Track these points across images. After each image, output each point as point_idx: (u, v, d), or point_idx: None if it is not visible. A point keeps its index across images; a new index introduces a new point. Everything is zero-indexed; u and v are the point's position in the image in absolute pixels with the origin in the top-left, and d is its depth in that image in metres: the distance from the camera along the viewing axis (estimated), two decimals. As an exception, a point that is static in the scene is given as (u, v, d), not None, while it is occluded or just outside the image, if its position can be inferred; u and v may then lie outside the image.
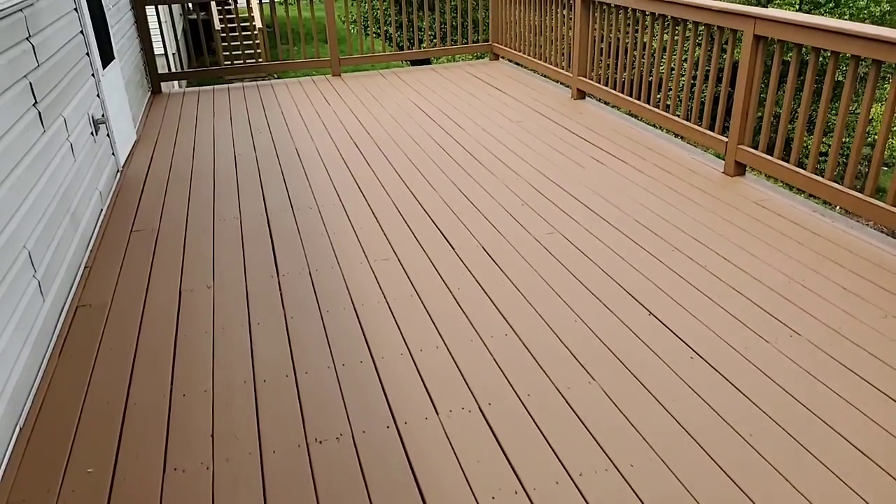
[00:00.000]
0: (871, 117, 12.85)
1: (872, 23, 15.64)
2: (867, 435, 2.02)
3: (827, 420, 2.08)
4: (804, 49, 3.54)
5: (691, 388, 2.24)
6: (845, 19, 15.29)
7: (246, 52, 6.60)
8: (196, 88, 6.89)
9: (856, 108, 11.83)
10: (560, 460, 1.97)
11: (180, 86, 11.31)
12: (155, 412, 2.24)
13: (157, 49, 6.62)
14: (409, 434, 2.09)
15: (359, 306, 2.79)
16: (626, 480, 1.90)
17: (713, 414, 2.13)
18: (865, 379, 2.25)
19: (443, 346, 2.51)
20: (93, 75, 4.01)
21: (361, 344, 2.54)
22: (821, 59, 3.46)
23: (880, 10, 16.28)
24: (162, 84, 6.73)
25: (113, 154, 4.28)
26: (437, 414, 2.17)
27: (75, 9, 3.84)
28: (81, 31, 3.89)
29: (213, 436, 2.12)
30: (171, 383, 2.38)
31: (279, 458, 2.02)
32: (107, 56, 4.44)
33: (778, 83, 3.80)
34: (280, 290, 2.95)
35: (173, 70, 7.62)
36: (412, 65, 11.79)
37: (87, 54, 3.95)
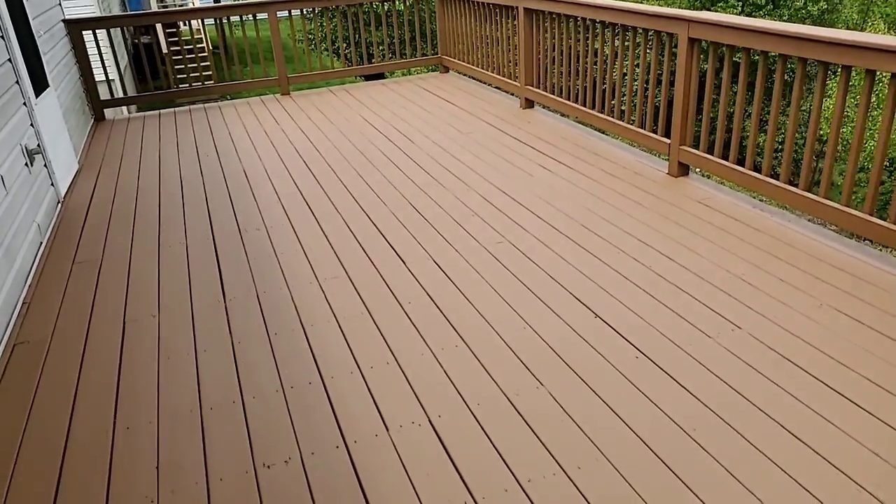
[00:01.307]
0: (803, 110, 13.28)
1: (812, 22, 16.21)
2: (808, 426, 2.07)
3: (769, 412, 2.13)
4: (737, 50, 3.65)
5: (636, 388, 2.27)
6: (784, 20, 15.83)
7: (193, 74, 6.51)
8: (142, 114, 6.78)
9: (786, 107, 12.21)
10: (509, 468, 1.98)
11: (129, 111, 11.12)
12: (97, 448, 2.18)
13: (99, 75, 6.49)
14: (358, 453, 2.07)
15: (308, 326, 2.76)
16: (573, 483, 1.91)
17: (658, 412, 2.16)
18: (803, 368, 2.31)
19: (393, 361, 2.50)
20: (24, 104, 3.91)
21: (310, 364, 2.52)
22: (753, 59, 3.57)
23: (818, 10, 16.87)
24: (106, 111, 6.60)
25: (52, 184, 4.18)
26: (388, 430, 2.16)
27: (1, 36, 3.74)
28: (10, 59, 3.79)
29: (157, 468, 2.07)
30: (115, 416, 2.32)
31: (226, 486, 1.98)
32: (40, 84, 4.34)
33: (713, 84, 3.91)
34: (227, 314, 2.90)
35: (118, 96, 7.49)
36: (367, 80, 11.79)
37: (17, 82, 3.85)
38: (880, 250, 3.14)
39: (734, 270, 2.96)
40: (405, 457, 2.04)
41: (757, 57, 3.55)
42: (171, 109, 6.68)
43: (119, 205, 4.27)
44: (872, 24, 17.85)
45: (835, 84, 11.98)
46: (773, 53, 3.34)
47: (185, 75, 6.93)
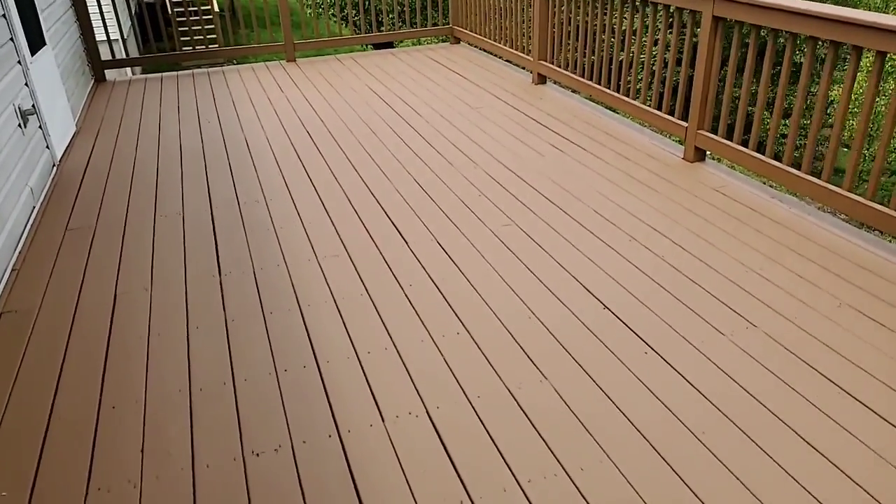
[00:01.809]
0: (830, 100, 12.96)
1: (834, 2, 15.80)
2: (821, 431, 1.97)
3: (781, 416, 2.03)
4: (763, 31, 3.47)
5: (645, 385, 2.17)
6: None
7: (197, 37, 6.34)
8: (144, 76, 6.62)
9: (814, 91, 11.89)
10: (508, 466, 1.89)
11: (134, 73, 10.92)
12: (81, 426, 2.09)
13: (101, 35, 6.32)
14: (352, 443, 1.98)
15: (305, 307, 2.66)
16: (575, 485, 1.82)
17: (666, 412, 2.06)
18: (821, 372, 2.20)
19: (392, 347, 2.40)
20: (19, 62, 3.76)
21: (306, 347, 2.42)
22: (780, 40, 3.40)
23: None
24: (107, 72, 6.44)
25: (47, 147, 4.05)
26: (383, 420, 2.06)
27: (-4, -9, 3.59)
28: (3, 15, 3.64)
29: (142, 451, 1.99)
30: (101, 394, 2.23)
31: (212, 473, 1.90)
32: (36, 42, 4.19)
33: (737, 66, 3.74)
34: (222, 290, 2.80)
35: (121, 56, 7.31)
36: (375, 48, 11.55)
37: (12, 40, 3.70)
38: (903, 248, 3.01)
39: (750, 264, 2.84)
40: (400, 450, 1.95)
41: (783, 39, 3.38)
42: (175, 73, 6.51)
43: (116, 170, 4.15)
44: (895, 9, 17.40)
45: (867, 70, 11.68)
46: (802, 35, 3.18)
47: (189, 38, 6.73)
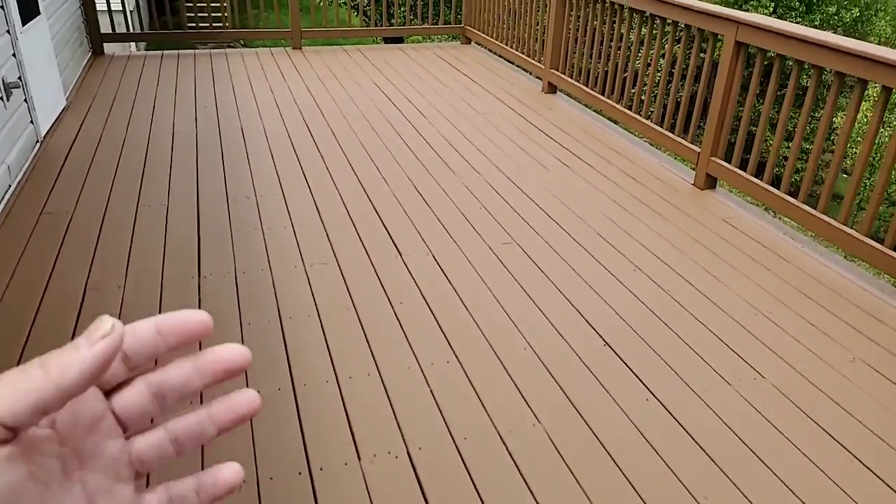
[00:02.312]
0: (852, 140, 12.75)
1: (844, 30, 15.65)
2: (822, 495, 1.83)
3: (783, 477, 1.88)
4: (788, 61, 3.32)
5: (643, 436, 2.02)
6: (815, 25, 15.26)
7: (203, 14, 6.14)
8: (143, 53, 6.43)
9: (835, 129, 11.63)
10: (492, 522, 1.73)
11: (138, 48, 10.66)
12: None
13: (102, 5, 6.11)
14: (322, 483, 1.83)
15: (286, 319, 2.50)
16: (564, 551, 1.67)
17: (665, 469, 1.91)
18: (831, 434, 2.06)
19: (375, 373, 2.24)
20: (8, 32, 3.57)
21: (283, 367, 2.26)
22: (805, 74, 3.25)
23: (850, 17, 16.30)
24: (107, 45, 6.24)
25: (31, 122, 3.87)
26: (360, 459, 1.91)
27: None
28: (-7, -17, 3.45)
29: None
30: (58, 404, 2.06)
31: (169, 506, 1.74)
32: (30, 11, 3.99)
33: (755, 94, 3.59)
34: (199, 294, 2.63)
35: (130, 30, 7.10)
36: (386, 42, 11.35)
37: (2, 7, 3.51)
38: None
39: (758, 305, 2.70)
40: (375, 494, 1.80)
41: (810, 71, 3.22)
42: (176, 52, 6.31)
43: (102, 151, 3.97)
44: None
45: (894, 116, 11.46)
46: (828, 70, 3.03)
47: (193, 14, 6.55)
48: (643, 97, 4.28)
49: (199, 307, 2.49)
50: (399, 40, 11.93)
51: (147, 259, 2.86)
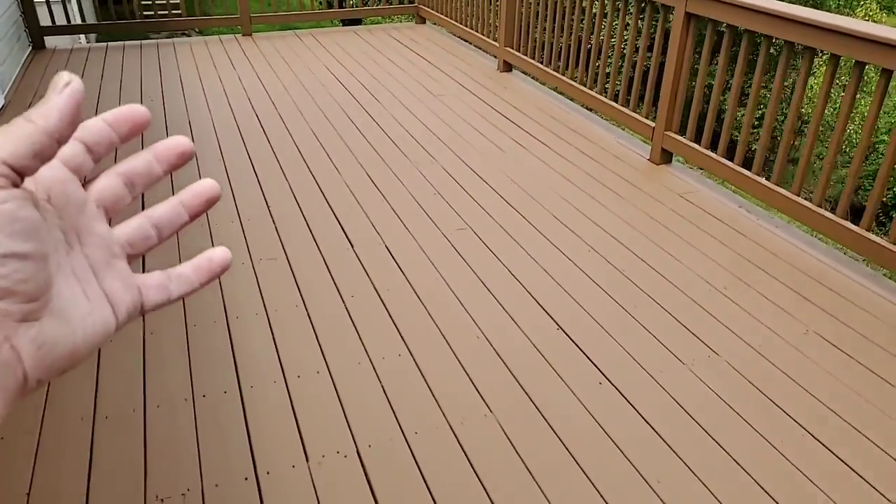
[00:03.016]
0: (804, 107, 12.86)
1: (815, 4, 15.70)
2: (775, 473, 1.83)
3: (739, 459, 1.88)
4: (738, 30, 3.29)
5: (596, 421, 2.00)
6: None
7: (155, 2, 5.91)
8: (87, 45, 6.20)
9: (787, 100, 11.73)
10: (444, 520, 1.70)
11: (87, 40, 10.28)
12: (-39, 462, 1.83)
13: (41, -3, 5.85)
14: (269, 487, 1.77)
15: (232, 319, 2.42)
16: (517, 545, 1.64)
17: (619, 454, 1.89)
18: (787, 412, 2.06)
19: (325, 370, 2.18)
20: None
21: (229, 368, 2.19)
22: (756, 41, 3.23)
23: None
24: (48, 38, 5.99)
25: (-37, 124, 3.68)
26: (308, 461, 1.85)
27: None
28: None
29: (28, 493, 1.74)
30: (-10, 422, 1.97)
31: (107, 523, 1.67)
32: (-47, 8, 3.79)
33: (708, 66, 3.57)
34: (142, 297, 2.53)
35: (74, 21, 6.81)
36: (344, 24, 11.11)
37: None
38: (872, 268, 2.89)
39: (714, 282, 2.69)
40: (322, 495, 1.75)
41: (758, 40, 3.20)
42: (122, 43, 6.09)
43: (42, 152, 3.81)
44: (864, 4, 17.46)
45: (846, 78, 11.55)
46: (777, 39, 3.01)
47: (148, 1, 6.30)
48: (598, 72, 4.23)
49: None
50: (357, 22, 11.69)
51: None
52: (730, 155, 3.39)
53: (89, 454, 1.86)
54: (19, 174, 0.29)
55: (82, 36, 9.88)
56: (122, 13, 6.46)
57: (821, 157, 11.59)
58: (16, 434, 1.92)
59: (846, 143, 11.87)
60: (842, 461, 1.88)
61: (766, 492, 1.78)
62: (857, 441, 1.94)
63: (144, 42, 6.15)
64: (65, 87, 0.30)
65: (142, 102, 4.48)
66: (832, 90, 2.81)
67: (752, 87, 3.21)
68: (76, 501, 1.72)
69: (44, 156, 0.29)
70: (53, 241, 0.31)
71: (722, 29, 3.38)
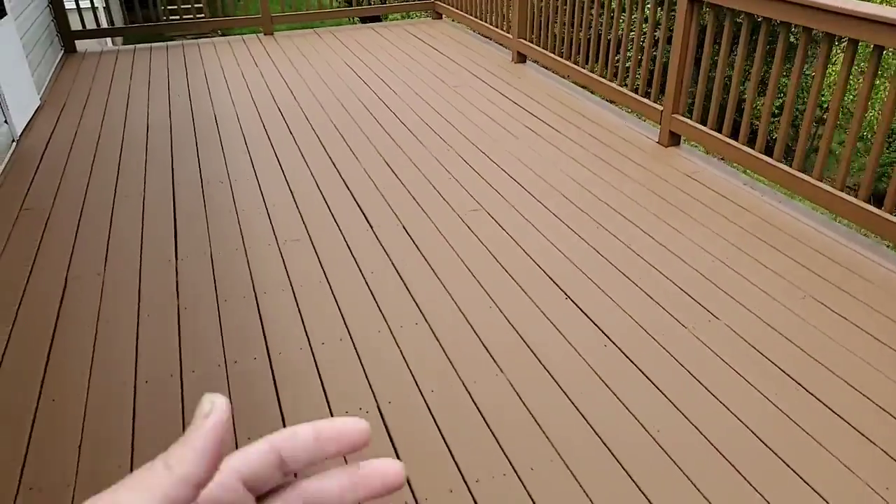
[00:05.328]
0: (805, 85, 12.70)
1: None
2: (775, 429, 1.94)
3: (739, 414, 2.00)
4: (739, 16, 3.39)
5: (601, 380, 2.13)
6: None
7: (184, 6, 6.16)
8: (116, 48, 6.44)
9: (786, 80, 11.66)
10: (458, 465, 1.85)
11: (115, 43, 10.60)
12: (16, 423, 2.03)
13: (72, 3, 6.10)
14: (298, 440, 1.93)
15: (261, 294, 2.59)
16: (523, 485, 1.78)
17: (622, 408, 2.02)
18: (782, 368, 2.17)
19: (347, 337, 2.35)
20: (-27, 36, 3.62)
21: (258, 338, 2.36)
22: (755, 24, 3.32)
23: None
24: (78, 42, 6.24)
25: (6, 122, 3.92)
26: (331, 414, 2.01)
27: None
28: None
29: (80, 448, 1.93)
30: (41, 386, 2.16)
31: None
32: (-6, 13, 4.03)
33: (711, 50, 3.66)
34: (177, 276, 2.72)
35: (103, 25, 7.08)
36: (363, 22, 11.30)
37: (-34, 12, 3.55)
38: (874, 240, 2.97)
39: (717, 253, 2.80)
40: (348, 447, 1.90)
41: (759, 21, 3.30)
42: (148, 45, 6.33)
43: (78, 147, 4.03)
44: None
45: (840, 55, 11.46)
46: (777, 22, 3.10)
47: (175, 6, 6.53)
48: (608, 60, 4.34)
49: (177, 288, 2.60)
50: (377, 19, 11.88)
51: (125, 247, 2.95)
52: (735, 135, 3.48)
53: (132, 415, 2.04)
54: None
55: (109, 39, 10.22)
56: (149, 16, 6.69)
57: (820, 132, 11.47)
58: (66, 396, 2.11)
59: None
60: (833, 412, 1.99)
61: (758, 437, 1.90)
62: (850, 394, 2.05)
63: (170, 44, 6.39)
64: (203, 419, 0.28)
65: (169, 100, 4.72)
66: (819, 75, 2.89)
67: (753, 70, 3.30)
68: (123, 456, 1.90)
69: None
70: None
71: (725, 15, 3.47)
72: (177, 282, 2.68)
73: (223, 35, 6.99)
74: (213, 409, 0.28)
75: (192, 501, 0.27)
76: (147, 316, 2.48)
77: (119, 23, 6.68)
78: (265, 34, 6.58)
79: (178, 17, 6.61)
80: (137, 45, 6.32)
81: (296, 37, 6.53)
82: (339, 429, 0.31)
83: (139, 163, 3.79)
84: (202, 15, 6.68)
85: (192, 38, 6.73)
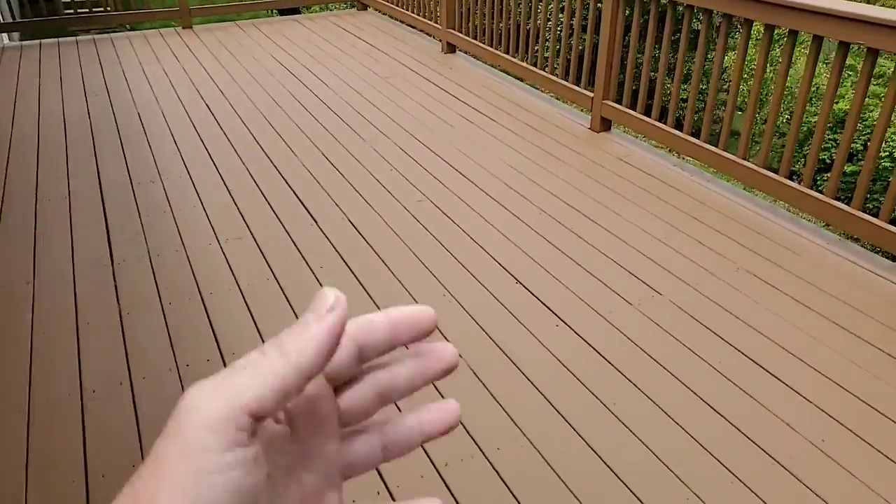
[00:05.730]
0: (725, 67, 13.39)
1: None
2: (726, 397, 2.06)
3: (685, 381, 2.11)
4: (662, 1, 3.53)
5: (556, 357, 2.20)
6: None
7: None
8: (19, 43, 6.04)
9: (709, 63, 12.25)
10: (426, 451, 1.87)
11: (11, 39, 9.90)
12: (-44, 442, 1.90)
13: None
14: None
15: (207, 295, 2.52)
16: (492, 466, 1.82)
17: (577, 383, 2.10)
18: (722, 337, 2.30)
19: (301, 333, 2.31)
20: None
21: (209, 340, 2.29)
22: (679, 9, 3.47)
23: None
24: (-24, 39, 5.83)
25: None
26: (294, 412, 1.99)
27: None
28: None
29: (26, 464, 1.83)
30: (-22, 404, 2.03)
31: (108, 485, 1.77)
32: None
33: (639, 36, 3.80)
34: (115, 281, 2.61)
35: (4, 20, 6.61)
36: (280, 14, 11.02)
37: None
38: (791, 212, 3.18)
39: (654, 232, 2.93)
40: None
41: (682, 8, 3.45)
42: (55, 40, 5.98)
43: (-11, 151, 3.78)
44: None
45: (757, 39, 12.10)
46: (697, 7, 3.25)
47: None
48: (537, 48, 4.43)
49: (116, 293, 2.50)
50: (295, 11, 11.60)
51: (55, 252, 2.79)
52: (663, 119, 3.64)
53: (81, 426, 1.95)
54: (258, 419, 0.26)
55: (5, 36, 9.54)
56: (40, 11, 6.23)
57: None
58: (7, 413, 2.00)
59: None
60: (769, 373, 2.13)
61: (706, 402, 2.01)
62: (783, 356, 2.20)
63: (80, 38, 6.05)
64: (328, 313, 0.27)
65: (86, 98, 4.49)
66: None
67: (678, 55, 3.46)
68: (76, 468, 1.82)
69: (291, 395, 0.26)
70: (272, 485, 0.27)
71: (650, 2, 3.61)
72: (116, 286, 2.57)
73: (132, 30, 6.68)
74: (337, 303, 0.28)
75: (300, 393, 0.27)
76: (87, 324, 2.37)
77: (19, 16, 6.25)
78: (184, 27, 6.33)
79: (87, 11, 6.26)
80: (43, 41, 5.95)
81: (217, 30, 6.32)
82: (410, 316, 0.31)
83: (60, 165, 3.59)
84: (100, 9, 6.30)
85: (101, 33, 6.39)
